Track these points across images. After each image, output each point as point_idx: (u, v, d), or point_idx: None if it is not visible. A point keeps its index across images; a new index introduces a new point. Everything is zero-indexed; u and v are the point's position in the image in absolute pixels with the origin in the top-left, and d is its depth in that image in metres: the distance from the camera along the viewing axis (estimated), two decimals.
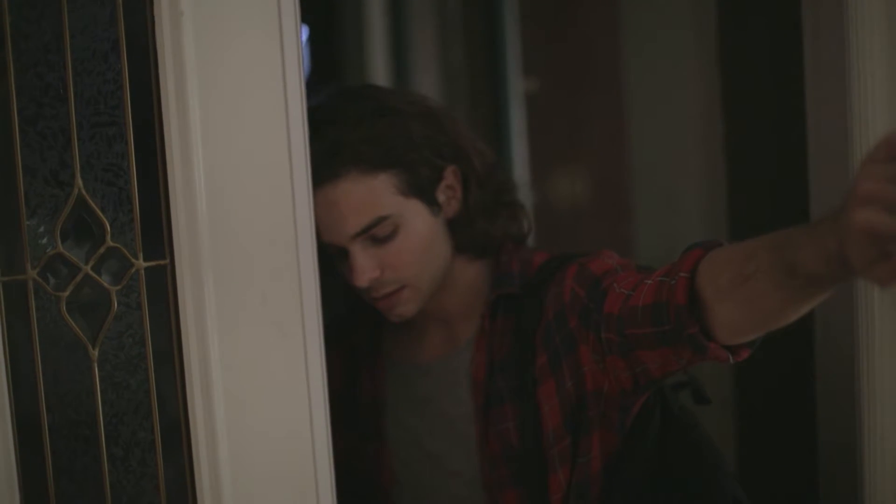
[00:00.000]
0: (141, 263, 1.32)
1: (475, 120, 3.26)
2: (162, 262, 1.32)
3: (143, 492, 1.34)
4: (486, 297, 1.68)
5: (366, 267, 1.57)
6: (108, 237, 1.31)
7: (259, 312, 1.34)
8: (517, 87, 3.23)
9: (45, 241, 1.30)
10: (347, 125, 1.55)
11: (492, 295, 1.66)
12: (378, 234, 1.56)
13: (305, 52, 3.36)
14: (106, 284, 1.31)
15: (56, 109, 1.29)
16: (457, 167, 1.62)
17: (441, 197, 1.62)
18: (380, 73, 3.35)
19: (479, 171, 1.65)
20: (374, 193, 1.55)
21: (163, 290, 1.32)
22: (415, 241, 1.58)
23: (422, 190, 1.58)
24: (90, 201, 1.30)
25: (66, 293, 1.30)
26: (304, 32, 3.30)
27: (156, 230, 1.32)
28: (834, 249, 1.00)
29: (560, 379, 1.58)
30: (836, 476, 1.95)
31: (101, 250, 1.31)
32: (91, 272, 1.31)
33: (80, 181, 1.30)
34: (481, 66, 3.33)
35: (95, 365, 1.32)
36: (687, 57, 2.58)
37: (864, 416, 1.69)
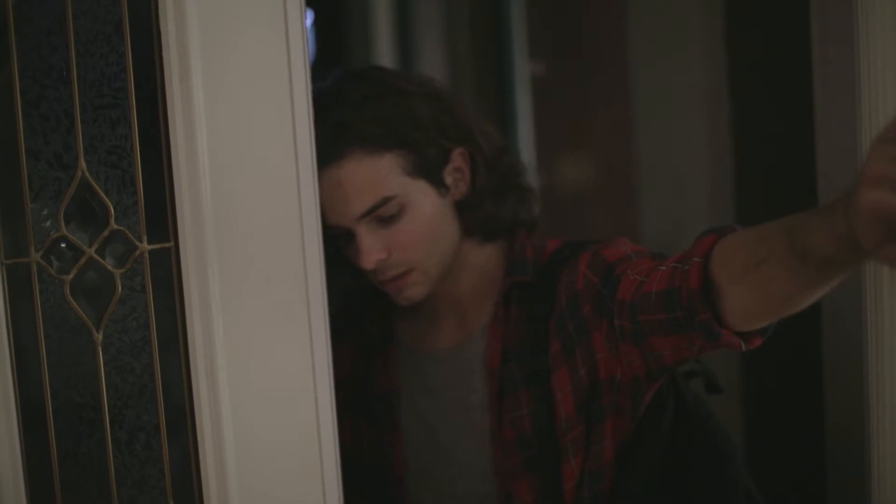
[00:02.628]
0: (145, 246, 1.31)
1: (481, 104, 3.25)
2: (166, 245, 1.32)
3: (148, 475, 1.34)
4: (499, 284, 1.67)
5: (372, 248, 1.56)
6: (112, 220, 1.30)
7: (264, 295, 1.33)
8: (523, 71, 3.22)
9: (48, 224, 1.29)
10: (351, 105, 1.54)
11: (506, 282, 1.65)
12: (384, 214, 1.55)
13: (310, 35, 3.35)
14: (110, 267, 1.31)
15: (59, 91, 1.28)
16: (465, 149, 1.62)
17: (449, 179, 1.61)
18: (385, 57, 3.34)
19: (486, 153, 1.64)
20: (379, 174, 1.54)
21: (167, 272, 1.32)
22: (421, 221, 1.58)
23: (428, 171, 1.58)
24: (94, 184, 1.29)
25: (70, 276, 1.30)
26: (309, 16, 3.29)
27: (160, 213, 1.31)
28: (845, 231, 0.99)
29: (573, 366, 1.57)
30: (843, 463, 1.94)
31: (105, 233, 1.30)
32: (95, 255, 1.30)
33: (83, 164, 1.29)
34: (487, 51, 3.31)
35: (100, 348, 1.32)
36: (693, 40, 2.56)
37: (872, 402, 1.69)
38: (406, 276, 1.60)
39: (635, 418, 1.60)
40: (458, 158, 1.61)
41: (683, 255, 1.34)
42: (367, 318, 1.78)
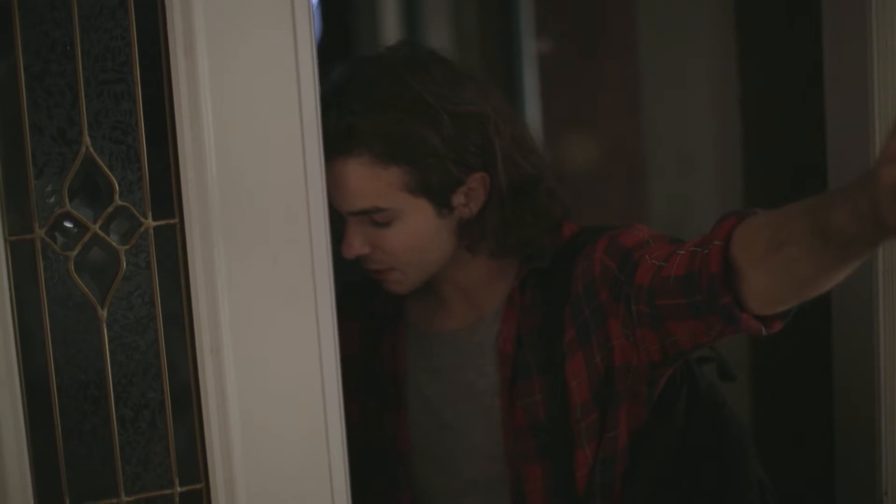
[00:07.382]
0: (150, 222, 1.30)
1: None
2: (171, 222, 1.31)
3: (153, 453, 1.34)
4: (513, 269, 1.65)
5: (354, 243, 1.55)
6: (117, 196, 1.29)
7: (270, 272, 1.33)
8: (530, 49, 3.21)
9: (52, 200, 1.28)
10: (374, 111, 1.50)
11: (523, 268, 1.64)
12: (374, 219, 1.54)
13: (317, 12, 3.34)
14: (114, 244, 1.30)
15: (63, 66, 1.27)
16: (486, 174, 1.57)
17: (458, 199, 1.57)
18: (391, 34, 3.32)
19: (509, 184, 1.58)
20: (380, 183, 1.51)
21: (172, 249, 1.31)
22: (408, 236, 1.55)
23: (432, 192, 1.54)
24: (98, 159, 1.28)
25: (75, 253, 1.29)
26: None
27: (165, 189, 1.30)
28: (867, 209, 0.99)
29: (589, 353, 1.56)
30: (853, 450, 1.93)
31: (110, 209, 1.29)
32: (99, 231, 1.29)
33: (87, 139, 1.28)
34: (494, 29, 3.30)
35: (104, 325, 1.31)
36: (702, 17, 2.55)
37: (882, 387, 1.68)
38: (386, 272, 1.60)
39: (650, 404, 1.59)
40: (475, 181, 1.57)
41: (703, 239, 1.33)
42: (375, 295, 1.77)
